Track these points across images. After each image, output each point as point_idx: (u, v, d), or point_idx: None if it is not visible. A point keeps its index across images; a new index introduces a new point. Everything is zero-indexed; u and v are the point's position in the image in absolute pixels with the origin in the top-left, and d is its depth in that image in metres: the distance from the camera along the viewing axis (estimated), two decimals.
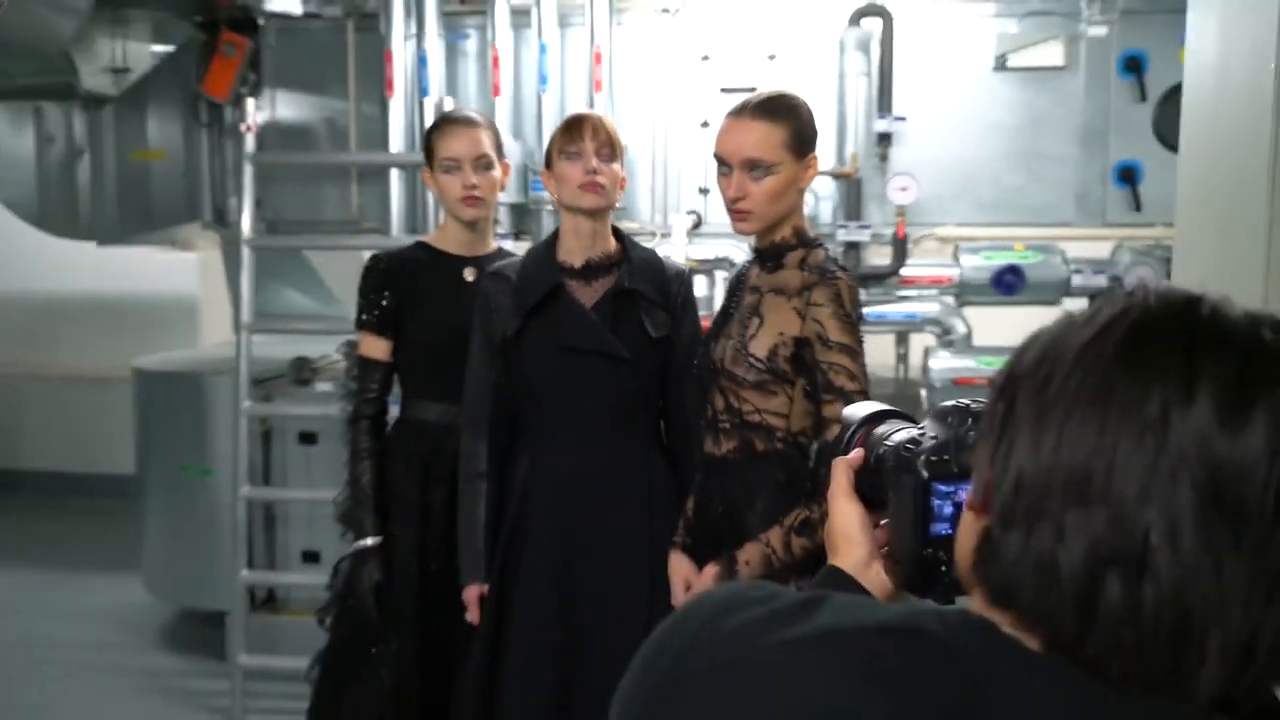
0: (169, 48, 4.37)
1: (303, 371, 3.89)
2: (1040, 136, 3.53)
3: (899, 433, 0.93)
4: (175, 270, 6.55)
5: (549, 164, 2.18)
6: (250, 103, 3.74)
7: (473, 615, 2.22)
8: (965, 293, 3.54)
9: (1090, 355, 0.62)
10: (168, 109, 4.09)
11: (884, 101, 3.50)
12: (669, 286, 2.22)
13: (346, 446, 2.43)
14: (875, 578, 0.91)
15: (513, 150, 3.50)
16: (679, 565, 2.08)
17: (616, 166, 2.16)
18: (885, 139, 3.51)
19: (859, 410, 1.01)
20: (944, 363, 3.51)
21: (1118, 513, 0.59)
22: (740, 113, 1.92)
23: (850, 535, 0.93)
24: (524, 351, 2.17)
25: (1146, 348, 0.61)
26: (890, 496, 0.90)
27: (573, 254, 2.19)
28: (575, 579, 2.14)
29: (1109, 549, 0.59)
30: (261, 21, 3.86)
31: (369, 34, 3.79)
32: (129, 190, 4.12)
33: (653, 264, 2.24)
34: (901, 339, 3.78)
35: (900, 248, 3.48)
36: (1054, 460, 0.61)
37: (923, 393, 3.56)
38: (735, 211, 1.93)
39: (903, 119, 3.49)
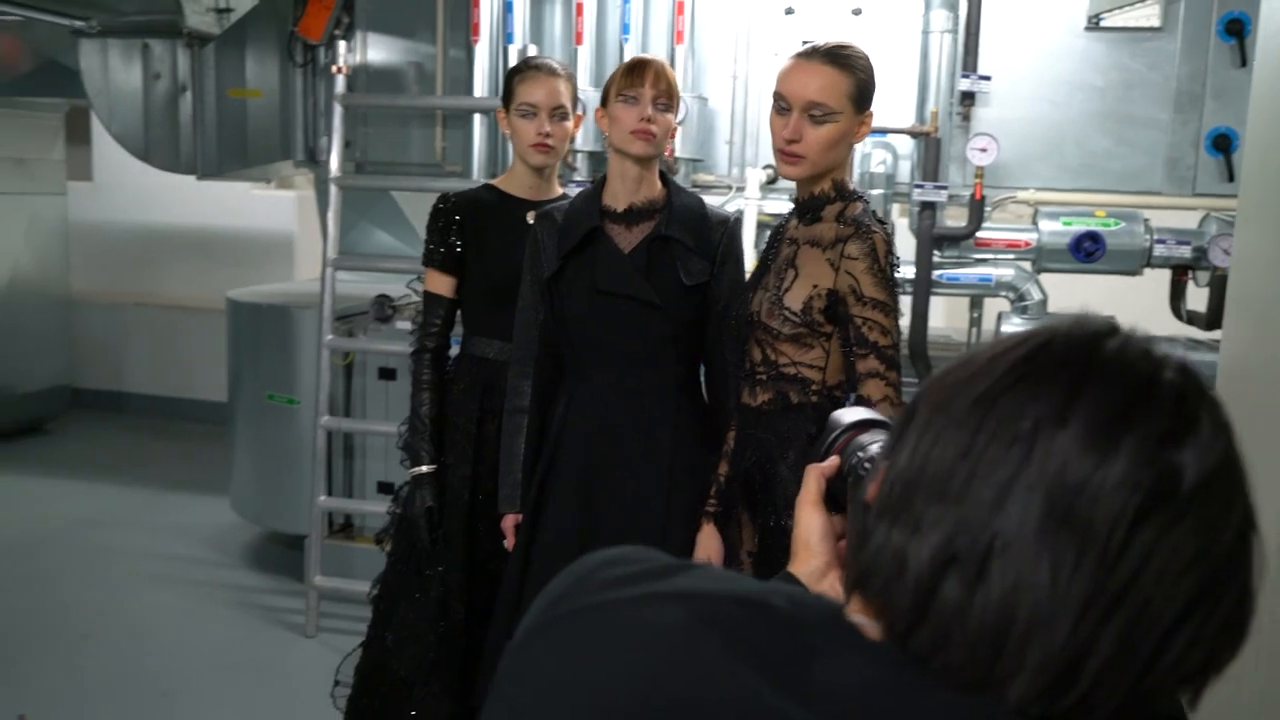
0: None
1: (384, 308, 4.02)
2: (1131, 100, 3.43)
3: (877, 444, 0.90)
4: (275, 207, 6.78)
5: (604, 102, 2.21)
6: (342, 45, 3.84)
7: (509, 542, 2.32)
8: (1042, 258, 3.47)
9: (990, 369, 0.63)
10: (265, 49, 4.22)
11: (969, 60, 3.43)
12: (710, 234, 2.23)
13: (411, 377, 2.54)
14: (829, 588, 0.90)
15: (592, 98, 3.54)
16: (708, 542, 2.12)
17: (671, 116, 2.19)
18: (968, 98, 3.45)
19: (845, 417, 0.99)
20: (1017, 329, 3.45)
21: (970, 516, 0.60)
22: (810, 55, 1.93)
23: (809, 544, 0.93)
24: (562, 292, 2.23)
25: (1041, 368, 0.62)
26: (849, 508, 0.89)
27: (617, 198, 2.23)
28: (596, 516, 2.21)
29: (954, 549, 0.60)
30: None
31: None
32: (227, 127, 4.27)
33: (694, 211, 2.25)
34: (975, 303, 3.73)
35: (978, 210, 3.43)
36: (926, 458, 0.63)
37: None
38: (787, 154, 1.93)
39: (987, 78, 3.42)
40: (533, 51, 3.64)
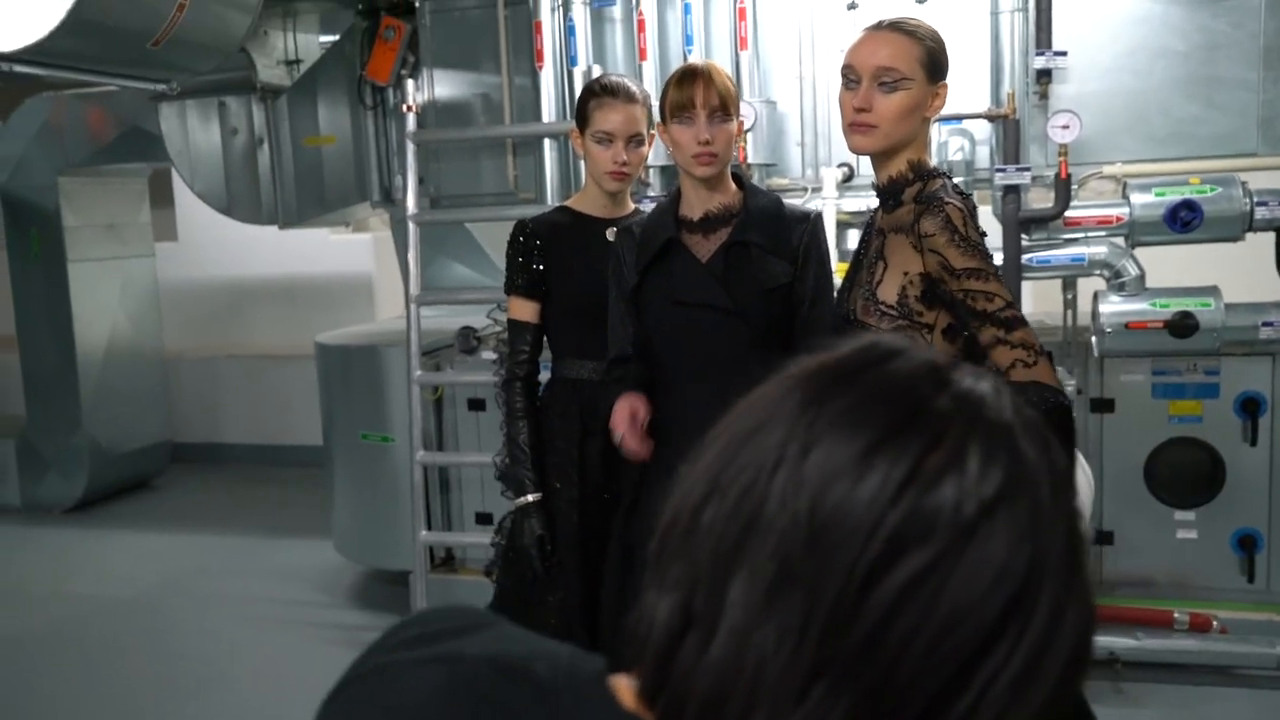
0: (335, 37, 4.59)
1: (468, 340, 4.05)
2: (1216, 62, 3.31)
3: None
4: (353, 250, 6.93)
5: (663, 117, 2.20)
6: (410, 84, 3.90)
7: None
8: (1136, 232, 3.36)
9: (761, 397, 0.57)
10: (335, 95, 4.31)
11: (1042, 37, 3.34)
12: (789, 234, 2.20)
13: (502, 408, 2.52)
14: None
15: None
16: None
17: (731, 125, 2.15)
18: (1044, 76, 3.36)
19: None
20: (1115, 307, 3.35)
21: (710, 570, 0.53)
22: (877, 26, 1.90)
23: None
24: (644, 305, 2.22)
25: (806, 394, 0.55)
26: None
27: (692, 207, 2.21)
28: None
29: (692, 608, 0.54)
30: (418, 4, 4.01)
31: (519, 8, 3.88)
32: (304, 174, 4.36)
33: (771, 212, 2.22)
34: (1069, 284, 3.62)
35: (1064, 189, 3.33)
36: (680, 504, 0.57)
37: (1093, 339, 3.41)
38: (857, 125, 1.87)
39: (1063, 54, 3.33)
40: (597, 73, 3.65)
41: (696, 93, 2.11)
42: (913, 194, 1.88)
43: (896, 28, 1.88)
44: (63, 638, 4.26)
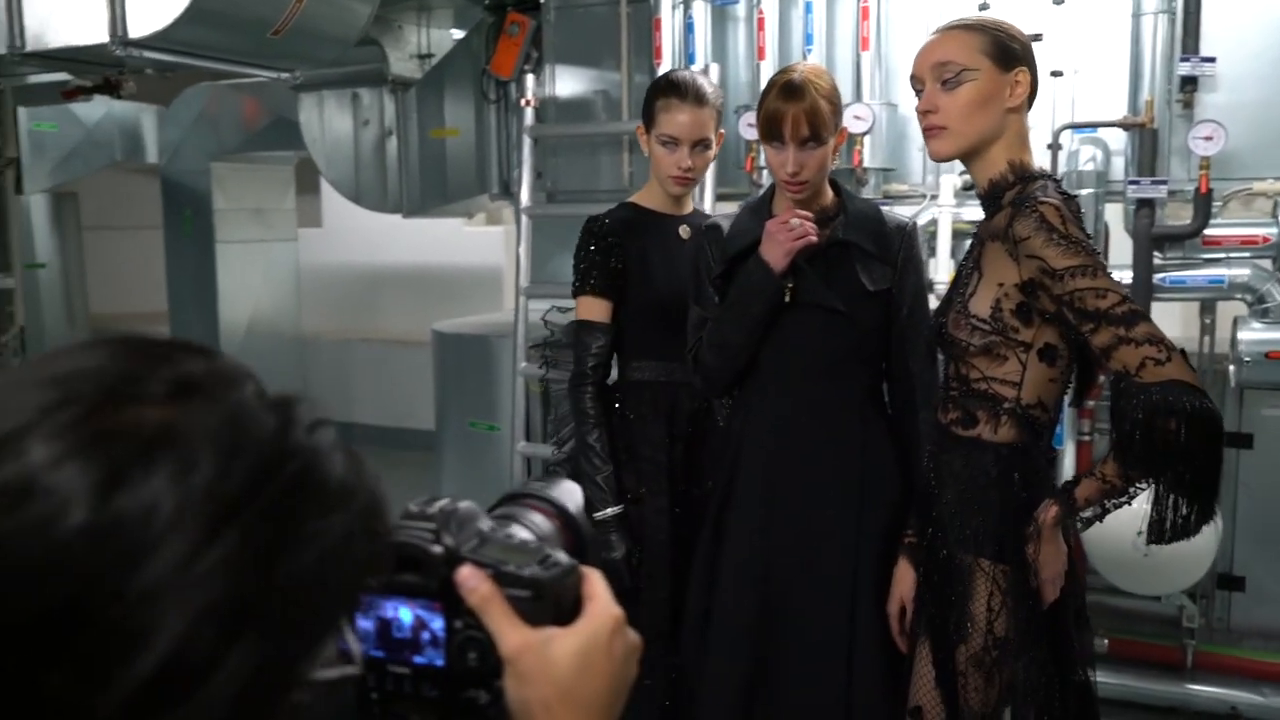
0: (464, 32, 4.68)
1: (554, 333, 4.05)
2: None
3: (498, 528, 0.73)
4: (484, 242, 7.07)
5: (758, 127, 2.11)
6: (529, 78, 3.93)
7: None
8: None
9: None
10: (461, 89, 4.38)
11: (1189, 41, 3.12)
12: (890, 240, 2.10)
13: (573, 412, 2.36)
14: None
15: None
16: (904, 578, 1.95)
17: (823, 150, 2.03)
18: (1189, 83, 3.12)
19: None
20: (1256, 334, 3.09)
21: None
22: (934, 32, 1.80)
23: None
24: None
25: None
26: None
27: (789, 207, 2.12)
28: (777, 543, 2.08)
29: None
30: (543, 0, 4.03)
31: (640, 5, 3.86)
32: (428, 166, 4.46)
33: (872, 217, 2.13)
34: (1206, 308, 3.37)
35: (1204, 205, 3.09)
36: None
37: (1230, 369, 3.16)
38: (928, 130, 1.76)
39: (1211, 60, 3.09)
40: (714, 72, 3.58)
41: (786, 125, 2.00)
42: (1011, 197, 1.74)
43: (951, 26, 1.77)
44: None
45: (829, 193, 2.14)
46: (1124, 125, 3.19)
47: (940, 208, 3.34)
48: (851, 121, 3.26)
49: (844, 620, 2.03)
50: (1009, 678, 1.72)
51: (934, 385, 2.06)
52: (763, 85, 3.55)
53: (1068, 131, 3.27)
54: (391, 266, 7.23)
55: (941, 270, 3.36)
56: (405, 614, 0.67)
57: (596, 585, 0.70)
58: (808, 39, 3.54)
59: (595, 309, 2.34)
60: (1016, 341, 1.71)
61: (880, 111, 3.45)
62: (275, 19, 2.92)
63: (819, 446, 2.09)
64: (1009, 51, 1.73)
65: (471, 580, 0.66)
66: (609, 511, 2.26)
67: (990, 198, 1.79)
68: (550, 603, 0.67)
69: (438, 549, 0.67)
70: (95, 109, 6.04)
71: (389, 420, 7.16)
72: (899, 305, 2.10)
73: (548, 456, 4.10)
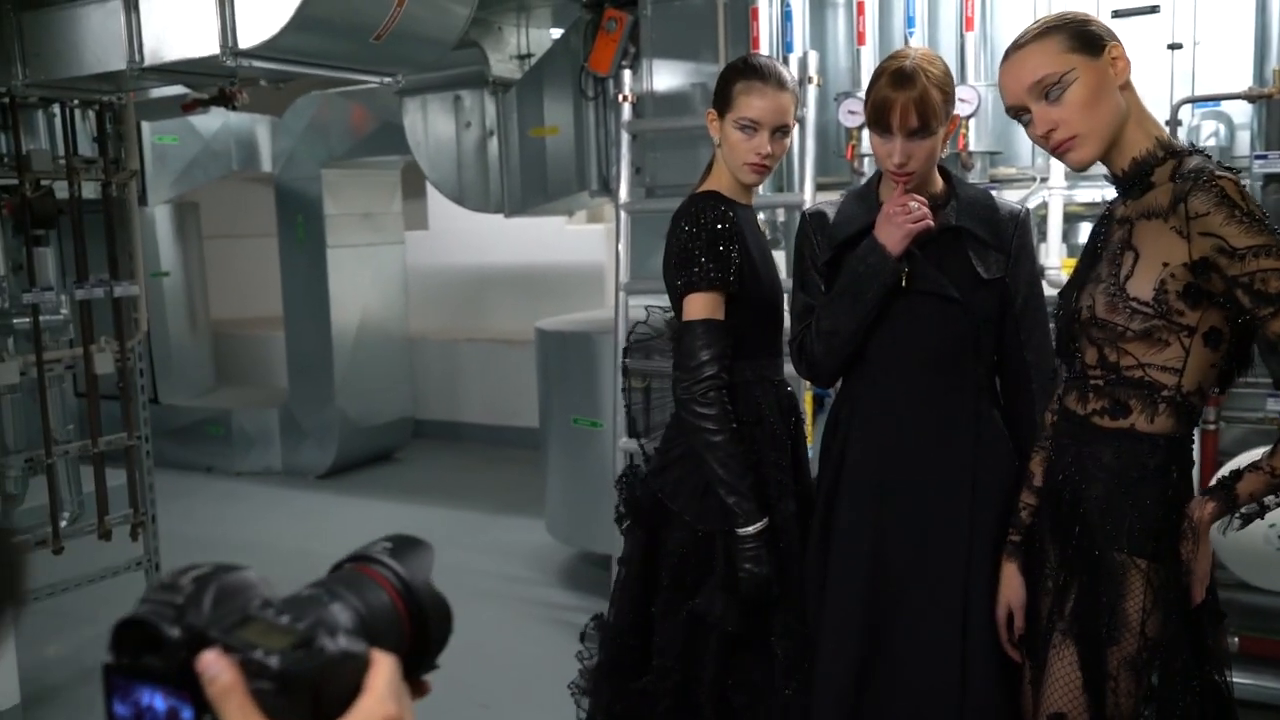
0: (563, 30, 4.71)
1: (640, 329, 4.04)
2: None
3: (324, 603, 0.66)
4: (587, 240, 7.12)
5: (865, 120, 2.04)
6: (626, 74, 3.93)
7: None
8: None
9: None
10: (560, 87, 4.41)
11: None
12: (1003, 227, 2.02)
13: (697, 418, 2.09)
14: None
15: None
16: (1010, 583, 1.88)
17: (932, 140, 1.94)
18: None
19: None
20: None
21: None
22: (1006, 57, 1.70)
23: None
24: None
25: None
26: None
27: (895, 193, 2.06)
28: (889, 537, 2.02)
29: None
30: None
31: None
32: (529, 164, 4.50)
33: (983, 203, 2.05)
34: None
35: None
36: None
37: None
38: (1057, 146, 1.66)
39: None
40: (814, 59, 3.53)
41: (894, 115, 1.91)
42: (1166, 173, 1.65)
43: (1021, 43, 1.67)
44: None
45: (938, 180, 2.07)
46: (1249, 97, 3.03)
47: (1051, 190, 3.23)
48: (956, 104, 3.17)
49: (957, 616, 1.97)
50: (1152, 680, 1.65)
51: (1050, 375, 1.98)
52: (863, 72, 3.53)
53: (1188, 106, 3.12)
54: (496, 266, 7.34)
55: (1053, 255, 3.25)
56: (159, 701, 0.59)
57: (378, 678, 0.62)
58: (909, 22, 3.47)
59: (717, 306, 2.13)
60: (1180, 325, 1.62)
61: (986, 93, 3.35)
62: (377, 23, 2.98)
63: (930, 438, 2.03)
64: (1090, 36, 1.64)
65: (212, 668, 0.58)
66: (760, 525, 2.07)
67: (1135, 176, 1.69)
68: (304, 696, 0.59)
69: (175, 631, 0.59)
70: (212, 121, 6.29)
71: (495, 419, 7.27)
72: (1014, 294, 2.02)
73: (650, 451, 4.10)
